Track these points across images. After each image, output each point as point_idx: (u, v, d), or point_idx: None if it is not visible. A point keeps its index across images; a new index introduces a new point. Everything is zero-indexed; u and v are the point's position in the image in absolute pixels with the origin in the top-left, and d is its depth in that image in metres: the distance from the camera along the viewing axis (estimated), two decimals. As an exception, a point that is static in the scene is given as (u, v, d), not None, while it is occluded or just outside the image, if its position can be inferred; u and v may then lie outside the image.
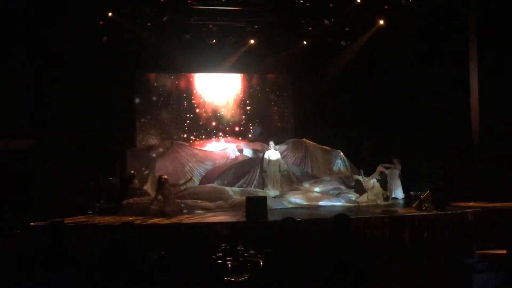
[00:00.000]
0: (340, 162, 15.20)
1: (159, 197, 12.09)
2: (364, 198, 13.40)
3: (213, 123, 16.78)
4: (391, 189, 13.85)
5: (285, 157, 15.01)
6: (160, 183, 12.20)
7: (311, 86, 16.64)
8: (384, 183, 13.86)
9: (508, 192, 12.43)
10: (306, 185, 14.19)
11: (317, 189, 13.89)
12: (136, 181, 13.53)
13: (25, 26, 12.15)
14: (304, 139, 15.75)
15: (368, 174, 14.11)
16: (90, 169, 13.71)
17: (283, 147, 15.36)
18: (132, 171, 13.91)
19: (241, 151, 15.60)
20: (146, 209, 11.88)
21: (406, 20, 14.69)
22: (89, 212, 12.61)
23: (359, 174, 14.18)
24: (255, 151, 15.55)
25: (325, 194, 13.62)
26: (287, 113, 17.32)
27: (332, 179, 14.30)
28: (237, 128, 16.91)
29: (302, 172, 14.92)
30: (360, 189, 13.77)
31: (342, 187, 13.89)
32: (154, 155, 14.70)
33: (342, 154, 15.27)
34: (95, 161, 13.91)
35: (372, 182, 13.78)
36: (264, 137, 16.37)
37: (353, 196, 13.49)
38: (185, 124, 16.59)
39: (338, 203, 13.29)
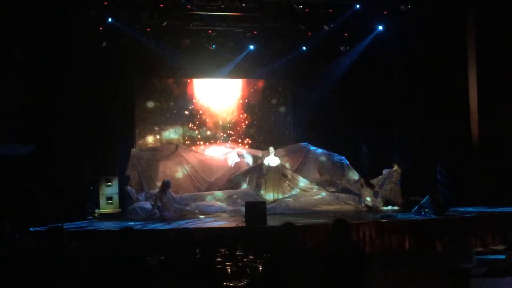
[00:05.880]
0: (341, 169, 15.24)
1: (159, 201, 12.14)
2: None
3: (213, 128, 16.78)
4: (387, 194, 13.88)
5: (284, 162, 15.02)
6: (164, 187, 12.21)
7: (310, 91, 16.66)
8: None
9: (506, 197, 12.44)
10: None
11: (323, 193, 13.94)
12: (129, 187, 13.50)
13: (25, 31, 12.17)
14: (304, 144, 15.81)
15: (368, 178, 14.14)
16: (90, 174, 13.72)
17: (282, 151, 15.39)
18: (129, 174, 13.89)
19: (241, 156, 15.62)
20: (149, 214, 11.95)
21: (405, 26, 14.75)
22: (89, 218, 12.62)
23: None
24: (255, 157, 15.57)
25: (324, 199, 13.66)
26: (287, 118, 17.31)
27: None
28: (236, 133, 16.91)
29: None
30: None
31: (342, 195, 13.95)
32: (157, 157, 14.72)
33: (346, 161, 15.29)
34: (95, 167, 13.92)
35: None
36: (265, 144, 16.43)
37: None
38: (185, 129, 16.59)
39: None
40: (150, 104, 16.42)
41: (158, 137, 16.41)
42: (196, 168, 14.95)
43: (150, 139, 16.33)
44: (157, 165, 14.56)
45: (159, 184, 13.17)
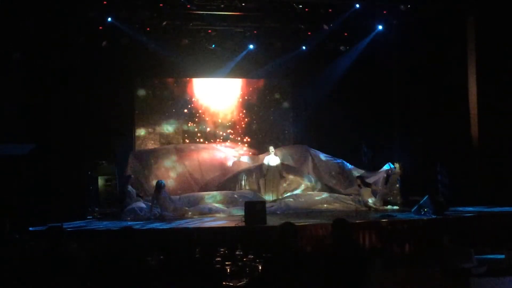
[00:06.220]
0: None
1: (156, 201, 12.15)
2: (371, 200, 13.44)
3: (212, 127, 16.78)
4: (385, 193, 13.88)
5: (286, 162, 15.01)
6: (157, 188, 12.21)
7: (310, 91, 16.66)
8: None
9: (506, 196, 12.44)
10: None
11: (324, 194, 13.92)
12: (129, 186, 13.50)
13: (25, 31, 12.18)
14: (306, 146, 15.82)
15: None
16: (89, 173, 13.72)
17: (284, 151, 15.39)
18: (130, 174, 13.89)
19: (238, 158, 15.68)
20: (149, 214, 11.95)
21: (405, 26, 14.75)
22: (89, 217, 12.62)
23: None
24: (253, 159, 15.60)
25: (324, 199, 13.65)
26: (286, 117, 17.31)
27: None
28: (236, 132, 16.91)
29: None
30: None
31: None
32: (155, 158, 14.71)
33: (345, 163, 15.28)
34: (94, 166, 13.91)
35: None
36: (264, 142, 16.47)
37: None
38: (184, 129, 16.60)
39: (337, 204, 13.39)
40: (150, 104, 16.41)
41: (157, 136, 16.40)
42: (194, 168, 14.96)
43: (149, 138, 16.33)
44: (155, 166, 14.55)
45: None
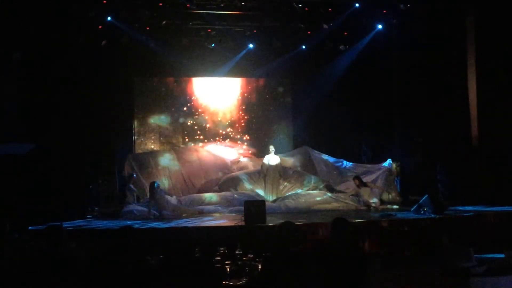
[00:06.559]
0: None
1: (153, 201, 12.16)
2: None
3: (212, 128, 16.79)
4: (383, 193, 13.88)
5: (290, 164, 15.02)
6: (152, 189, 12.20)
7: (310, 90, 16.66)
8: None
9: (506, 196, 12.45)
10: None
11: (326, 195, 13.90)
12: (131, 185, 13.49)
13: (25, 31, 12.17)
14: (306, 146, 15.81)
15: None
16: (89, 173, 13.72)
17: (287, 159, 15.38)
18: (132, 173, 13.88)
19: (237, 158, 15.72)
20: (148, 215, 11.95)
21: (405, 25, 14.75)
22: (88, 216, 12.63)
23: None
24: (252, 159, 15.60)
25: (324, 199, 13.64)
26: (286, 116, 17.31)
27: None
28: (236, 131, 16.91)
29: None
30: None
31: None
32: (154, 161, 14.69)
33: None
34: (94, 165, 13.92)
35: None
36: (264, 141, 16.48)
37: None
38: (184, 128, 16.61)
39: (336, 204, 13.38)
40: (150, 103, 16.42)
41: (157, 135, 16.42)
42: (194, 170, 14.94)
43: (149, 137, 16.34)
44: (154, 168, 14.49)
45: None
